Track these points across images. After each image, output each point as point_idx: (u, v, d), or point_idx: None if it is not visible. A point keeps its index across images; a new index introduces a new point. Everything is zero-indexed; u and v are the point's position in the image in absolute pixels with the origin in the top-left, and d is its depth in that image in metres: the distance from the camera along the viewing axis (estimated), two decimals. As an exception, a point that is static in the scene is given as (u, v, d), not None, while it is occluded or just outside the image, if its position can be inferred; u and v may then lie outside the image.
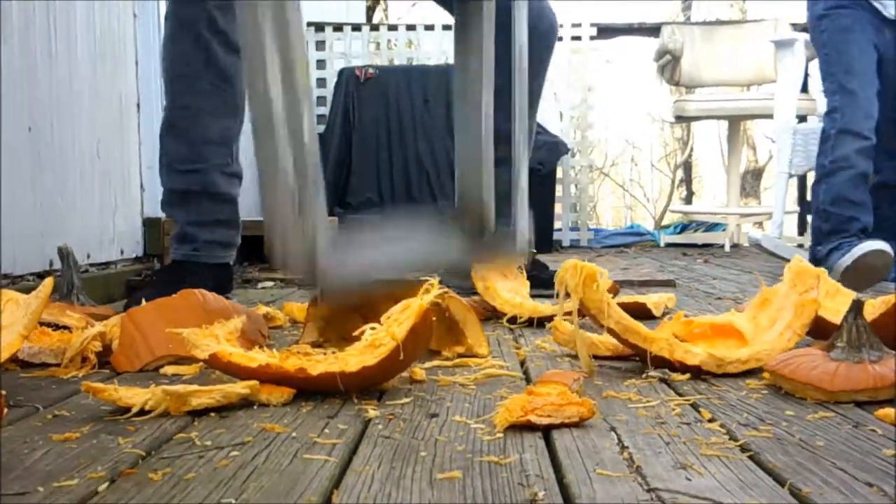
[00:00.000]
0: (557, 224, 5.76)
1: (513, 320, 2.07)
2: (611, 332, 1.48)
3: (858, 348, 1.31)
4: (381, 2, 13.08)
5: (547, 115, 5.83)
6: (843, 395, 1.26)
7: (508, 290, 2.17)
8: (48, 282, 1.35)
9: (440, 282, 1.34)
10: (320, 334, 1.69)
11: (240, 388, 1.23)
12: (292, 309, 2.16)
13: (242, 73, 2.31)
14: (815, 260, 2.84)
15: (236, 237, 2.47)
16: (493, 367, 1.52)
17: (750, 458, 0.99)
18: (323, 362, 1.31)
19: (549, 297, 2.42)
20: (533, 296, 2.26)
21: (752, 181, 14.56)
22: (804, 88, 5.36)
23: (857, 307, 1.34)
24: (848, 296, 1.70)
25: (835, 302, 1.67)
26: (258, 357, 1.31)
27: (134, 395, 1.19)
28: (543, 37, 2.65)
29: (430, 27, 6.03)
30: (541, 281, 2.49)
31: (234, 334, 1.40)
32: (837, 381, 1.26)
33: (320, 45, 5.95)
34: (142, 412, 1.18)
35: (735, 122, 5.86)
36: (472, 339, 1.62)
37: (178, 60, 2.34)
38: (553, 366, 1.57)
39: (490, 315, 2.15)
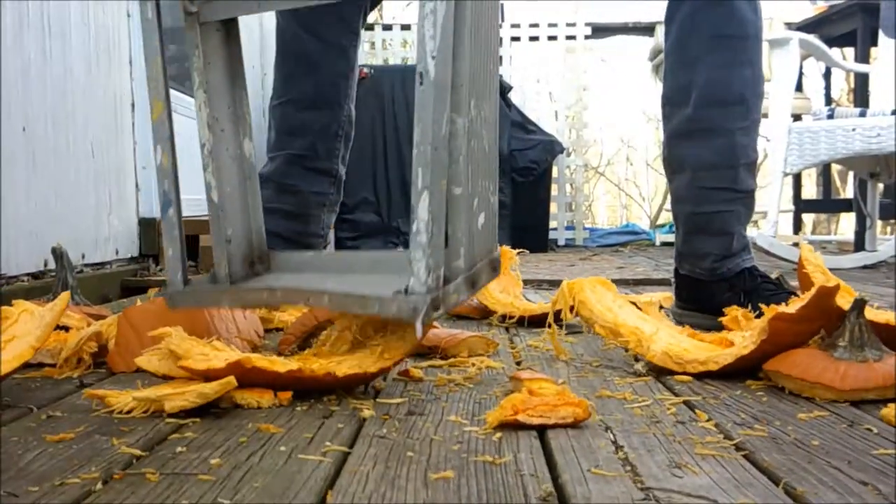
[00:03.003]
0: (553, 223, 5.76)
1: (503, 319, 2.07)
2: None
3: (861, 347, 1.32)
4: (377, 1, 13.05)
5: (542, 115, 5.84)
6: (853, 395, 1.26)
7: (501, 289, 2.18)
8: (64, 296, 1.35)
9: None
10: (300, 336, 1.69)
11: (215, 386, 1.20)
12: (287, 308, 2.16)
13: (331, 64, 2.28)
14: None
15: (306, 236, 2.36)
16: (490, 366, 1.52)
17: (745, 457, 0.99)
18: (343, 363, 1.31)
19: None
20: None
21: (747, 180, 14.56)
22: (799, 87, 5.37)
23: (858, 306, 1.34)
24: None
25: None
26: (289, 363, 1.28)
27: (122, 401, 1.20)
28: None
29: (425, 27, 6.02)
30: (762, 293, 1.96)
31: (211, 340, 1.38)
32: (847, 380, 1.26)
33: (315, 45, 5.94)
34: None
35: (730, 121, 5.85)
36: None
37: (277, 53, 2.34)
38: (549, 365, 1.58)
39: (483, 314, 2.15)
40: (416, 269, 1.20)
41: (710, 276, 2.02)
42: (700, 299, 2.03)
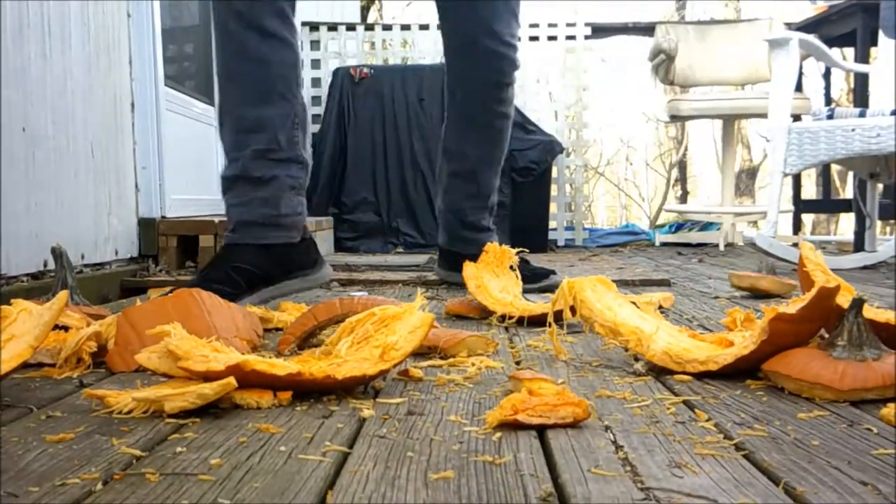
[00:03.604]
0: (552, 224, 5.76)
1: (502, 319, 2.07)
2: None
3: (860, 346, 1.31)
4: (376, 1, 13.08)
5: (542, 115, 5.84)
6: (853, 394, 1.25)
7: (500, 289, 2.17)
8: (63, 295, 1.35)
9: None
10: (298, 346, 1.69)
11: (215, 386, 1.19)
12: (287, 308, 2.16)
13: (279, 57, 2.35)
14: None
15: (281, 217, 2.39)
16: (489, 366, 1.52)
17: (745, 457, 0.99)
18: (343, 366, 1.31)
19: (538, 291, 2.66)
20: (525, 291, 2.29)
21: (746, 180, 14.58)
22: (798, 87, 5.38)
23: (857, 305, 1.34)
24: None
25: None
26: (288, 366, 1.28)
27: (121, 402, 1.19)
28: (487, 88, 2.78)
29: (424, 27, 6.02)
30: (529, 277, 2.60)
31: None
32: (847, 380, 1.26)
33: (315, 45, 5.95)
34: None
35: (729, 121, 5.87)
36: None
37: (218, 56, 2.40)
38: (548, 365, 1.58)
39: (482, 314, 2.15)
40: None
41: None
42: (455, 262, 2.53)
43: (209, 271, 2.32)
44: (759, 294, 2.69)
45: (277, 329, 2.01)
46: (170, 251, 3.40)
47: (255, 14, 2.30)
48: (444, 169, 2.90)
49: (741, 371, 1.43)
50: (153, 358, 1.32)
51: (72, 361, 1.52)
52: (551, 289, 2.59)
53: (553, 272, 2.86)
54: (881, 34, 4.35)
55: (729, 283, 2.85)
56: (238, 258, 2.32)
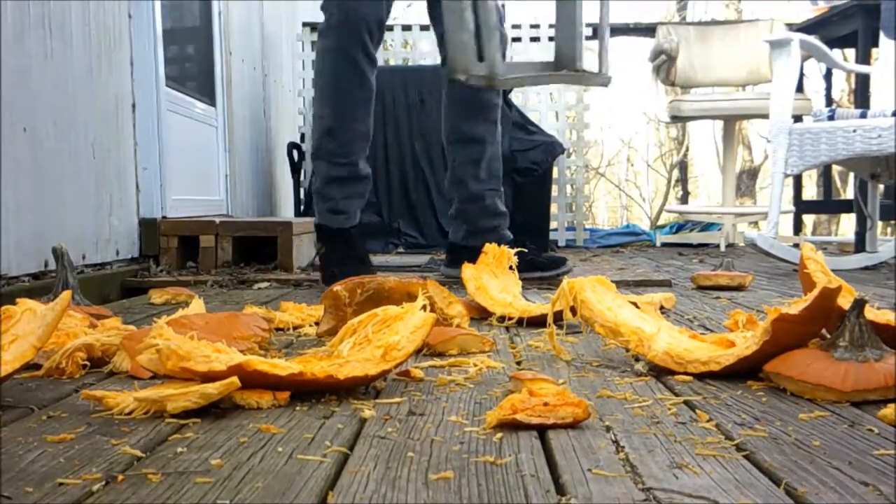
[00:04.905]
0: (553, 224, 5.76)
1: (502, 319, 2.07)
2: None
3: (861, 347, 1.31)
4: (377, 2, 13.06)
5: (543, 115, 5.84)
6: (855, 396, 1.25)
7: (500, 289, 2.17)
8: (66, 295, 1.34)
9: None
10: (337, 322, 1.73)
11: (219, 386, 1.19)
12: (287, 308, 2.16)
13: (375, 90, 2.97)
14: None
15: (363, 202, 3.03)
16: (490, 366, 1.52)
17: (745, 457, 0.99)
18: (345, 366, 1.31)
19: (545, 279, 2.96)
20: (529, 278, 2.39)
21: (747, 181, 14.58)
22: (799, 88, 5.37)
23: (858, 306, 1.34)
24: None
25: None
26: (291, 366, 1.28)
27: (121, 402, 1.19)
28: None
29: (426, 27, 6.02)
30: (537, 264, 3.01)
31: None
32: (849, 381, 1.26)
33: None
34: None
35: (730, 121, 5.86)
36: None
37: (335, 77, 2.90)
38: (549, 365, 1.58)
39: (482, 314, 2.15)
40: None
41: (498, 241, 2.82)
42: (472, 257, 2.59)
43: (346, 254, 2.90)
44: (721, 288, 3.01)
45: (279, 329, 2.01)
46: (171, 251, 3.40)
47: (374, 50, 2.91)
48: (457, 160, 3.12)
49: (742, 372, 1.43)
50: (154, 359, 1.32)
51: (62, 368, 1.50)
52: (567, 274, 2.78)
53: (566, 259, 3.15)
54: (882, 35, 4.36)
55: (694, 284, 3.10)
56: (358, 242, 2.98)
